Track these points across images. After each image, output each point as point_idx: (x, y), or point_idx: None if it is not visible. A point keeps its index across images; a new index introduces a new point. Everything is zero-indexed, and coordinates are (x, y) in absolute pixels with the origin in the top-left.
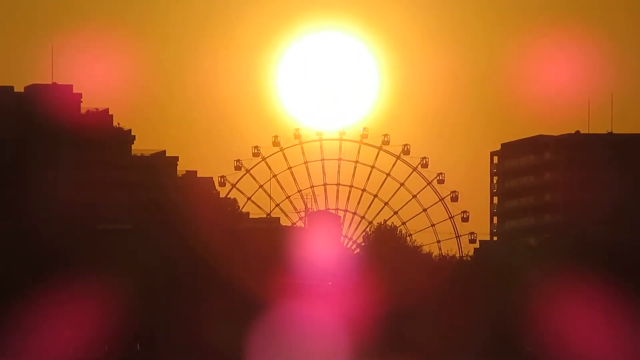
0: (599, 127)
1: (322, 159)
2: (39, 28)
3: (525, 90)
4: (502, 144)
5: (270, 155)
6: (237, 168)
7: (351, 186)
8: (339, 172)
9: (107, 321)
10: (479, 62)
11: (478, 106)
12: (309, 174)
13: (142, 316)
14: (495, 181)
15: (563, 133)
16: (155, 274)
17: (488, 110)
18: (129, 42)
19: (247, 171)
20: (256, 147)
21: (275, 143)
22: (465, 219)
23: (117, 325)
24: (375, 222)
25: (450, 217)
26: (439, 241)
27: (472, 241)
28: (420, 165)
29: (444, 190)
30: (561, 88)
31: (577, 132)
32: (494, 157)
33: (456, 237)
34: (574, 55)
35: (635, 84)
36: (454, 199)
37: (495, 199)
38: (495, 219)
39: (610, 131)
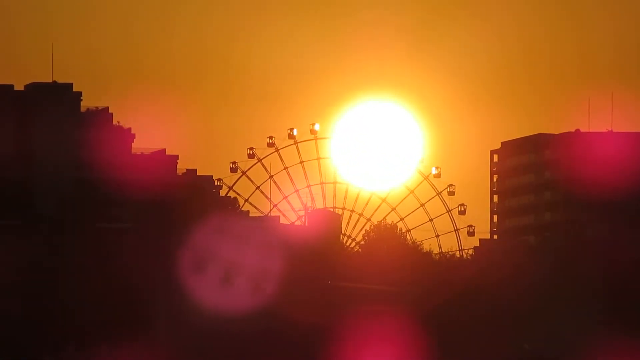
0: (599, 126)
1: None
2: (39, 27)
3: (525, 89)
4: (502, 143)
5: (284, 147)
6: (251, 156)
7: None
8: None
9: None
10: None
11: (478, 105)
12: (320, 172)
13: None
14: (495, 179)
15: (563, 131)
16: None
17: (488, 109)
18: (131, 43)
19: (259, 160)
20: (271, 136)
21: (291, 136)
22: (471, 234)
23: None
24: (376, 222)
25: (456, 230)
26: (441, 252)
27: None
28: (433, 175)
29: (453, 203)
30: (561, 86)
31: (577, 130)
32: (494, 155)
33: (459, 250)
34: (574, 54)
35: (636, 82)
36: (462, 212)
37: (495, 198)
38: (495, 217)
39: (610, 129)
